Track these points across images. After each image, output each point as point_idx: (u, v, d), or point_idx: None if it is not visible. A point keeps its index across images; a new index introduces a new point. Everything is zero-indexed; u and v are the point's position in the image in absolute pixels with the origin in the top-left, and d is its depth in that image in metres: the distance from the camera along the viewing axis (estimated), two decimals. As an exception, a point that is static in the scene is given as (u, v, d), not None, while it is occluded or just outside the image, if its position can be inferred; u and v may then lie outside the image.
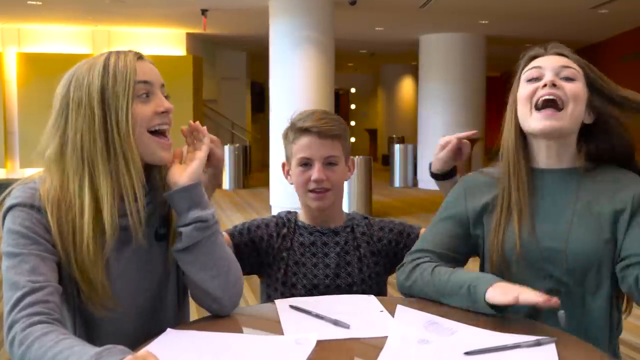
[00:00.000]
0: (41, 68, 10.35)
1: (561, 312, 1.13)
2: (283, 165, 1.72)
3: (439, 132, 11.15)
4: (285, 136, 1.67)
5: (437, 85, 11.10)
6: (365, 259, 1.66)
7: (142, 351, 0.95)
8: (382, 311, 1.30)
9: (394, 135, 16.13)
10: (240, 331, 1.19)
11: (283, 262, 1.65)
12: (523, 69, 1.40)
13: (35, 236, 1.15)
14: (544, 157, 1.38)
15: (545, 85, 1.32)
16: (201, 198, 1.24)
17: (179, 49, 11.64)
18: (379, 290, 1.67)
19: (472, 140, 1.62)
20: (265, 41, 8.31)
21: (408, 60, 15.62)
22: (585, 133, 1.39)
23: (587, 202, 1.33)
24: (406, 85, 17.53)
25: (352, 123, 20.67)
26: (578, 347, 1.12)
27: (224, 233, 1.56)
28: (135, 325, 1.27)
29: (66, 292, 1.19)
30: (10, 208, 1.18)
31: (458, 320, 1.19)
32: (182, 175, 1.23)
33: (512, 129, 1.39)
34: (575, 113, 1.32)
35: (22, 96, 10.75)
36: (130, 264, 1.25)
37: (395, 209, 8.51)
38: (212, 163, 1.37)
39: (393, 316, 1.25)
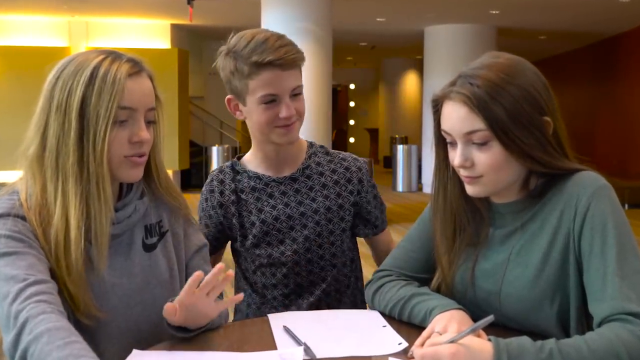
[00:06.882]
0: (13, 62, 10.33)
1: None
2: (229, 101, 1.63)
3: (445, 132, 11.20)
4: (234, 70, 1.52)
5: (443, 80, 10.71)
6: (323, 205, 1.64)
7: None
8: (385, 326, 1.30)
9: (397, 136, 16.17)
10: (226, 348, 1.19)
11: (234, 217, 1.63)
12: (434, 113, 1.34)
13: (28, 240, 1.15)
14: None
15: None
16: None
17: (163, 42, 11.64)
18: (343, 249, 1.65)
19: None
20: (256, 33, 8.32)
21: (412, 54, 15.66)
22: None
23: (532, 233, 1.25)
24: (410, 81, 17.57)
25: (352, 122, 20.71)
26: None
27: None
28: (136, 333, 1.27)
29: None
30: None
31: None
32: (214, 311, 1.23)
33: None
34: (497, 179, 1.23)
35: (-8, 93, 10.73)
36: (122, 274, 1.26)
37: (398, 216, 8.51)
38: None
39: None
